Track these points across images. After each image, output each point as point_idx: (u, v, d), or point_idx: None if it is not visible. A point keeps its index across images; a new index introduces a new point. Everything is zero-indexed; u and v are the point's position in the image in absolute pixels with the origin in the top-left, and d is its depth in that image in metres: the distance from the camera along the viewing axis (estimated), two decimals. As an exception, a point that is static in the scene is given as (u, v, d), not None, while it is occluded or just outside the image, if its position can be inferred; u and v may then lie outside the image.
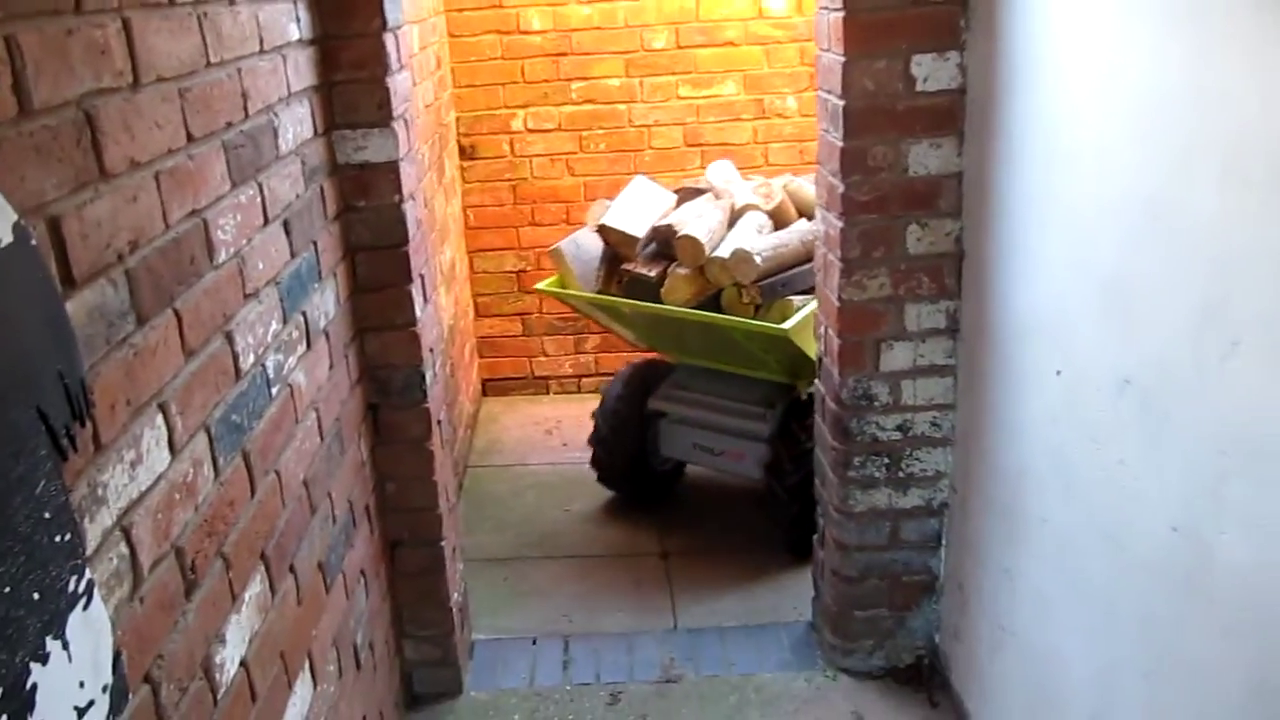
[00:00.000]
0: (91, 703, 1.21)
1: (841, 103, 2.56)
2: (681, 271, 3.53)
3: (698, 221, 3.55)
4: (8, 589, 1.05)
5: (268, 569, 1.87)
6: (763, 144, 4.99)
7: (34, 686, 1.09)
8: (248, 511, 1.79)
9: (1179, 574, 1.69)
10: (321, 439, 2.26)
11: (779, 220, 3.72)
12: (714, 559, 3.75)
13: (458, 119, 4.89)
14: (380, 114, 2.51)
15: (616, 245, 3.74)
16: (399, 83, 2.59)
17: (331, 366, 2.37)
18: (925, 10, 2.46)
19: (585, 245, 3.82)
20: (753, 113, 4.94)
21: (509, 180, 5.01)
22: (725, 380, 3.85)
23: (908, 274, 2.67)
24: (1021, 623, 2.40)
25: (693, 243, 3.47)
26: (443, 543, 2.90)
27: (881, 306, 2.70)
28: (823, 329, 2.92)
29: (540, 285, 3.92)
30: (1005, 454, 2.44)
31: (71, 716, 1.16)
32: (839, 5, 2.48)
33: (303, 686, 2.05)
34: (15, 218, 1.11)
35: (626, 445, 3.98)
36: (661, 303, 3.58)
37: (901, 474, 2.84)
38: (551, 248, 3.81)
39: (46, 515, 1.14)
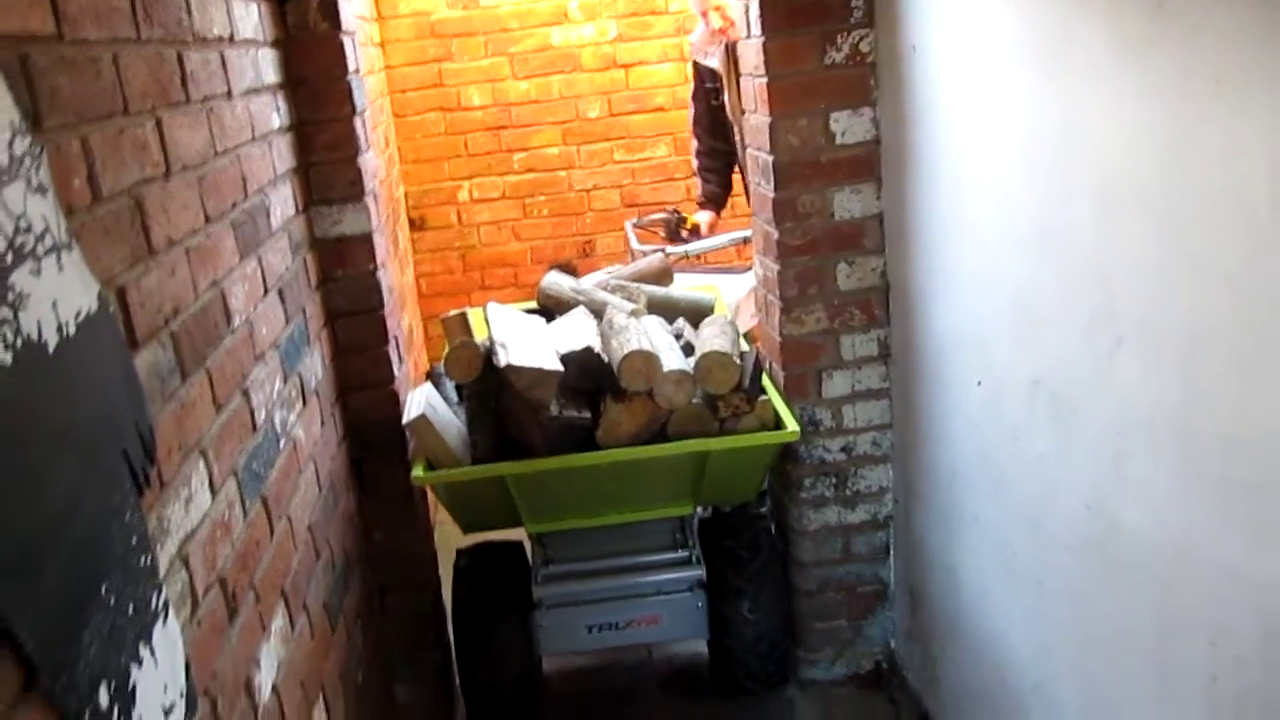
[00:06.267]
0: (173, 705, 1.39)
1: (770, 158, 2.85)
2: (621, 403, 2.72)
3: (627, 336, 2.75)
4: (113, 600, 1.24)
5: (287, 604, 2.05)
6: (695, 201, 5.29)
7: (135, 685, 1.28)
8: (269, 551, 1.98)
9: (1094, 548, 1.95)
10: (319, 489, 2.45)
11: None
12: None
13: (406, 193, 5.13)
14: (353, 190, 2.73)
15: (526, 389, 2.65)
16: (368, 161, 2.83)
17: (323, 423, 2.56)
18: (839, 73, 2.76)
19: (440, 407, 2.89)
20: (684, 172, 5.24)
21: (458, 248, 5.25)
22: (608, 536, 3.10)
23: (841, 308, 2.94)
24: (965, 615, 2.65)
25: (646, 359, 2.65)
26: (430, 586, 3.08)
27: (819, 339, 2.96)
28: (768, 365, 3.18)
29: (418, 475, 2.76)
30: (939, 463, 2.70)
31: (160, 715, 1.35)
32: (763, 72, 2.77)
33: (319, 717, 2.22)
34: (98, 288, 1.31)
35: (515, 653, 3.09)
36: (594, 448, 2.74)
37: (849, 492, 3.09)
38: (410, 420, 2.75)
39: (134, 541, 1.33)
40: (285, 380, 2.24)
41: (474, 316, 2.94)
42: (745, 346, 3.01)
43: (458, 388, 2.90)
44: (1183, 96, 1.53)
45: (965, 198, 2.36)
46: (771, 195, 2.88)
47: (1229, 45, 1.42)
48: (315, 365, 2.55)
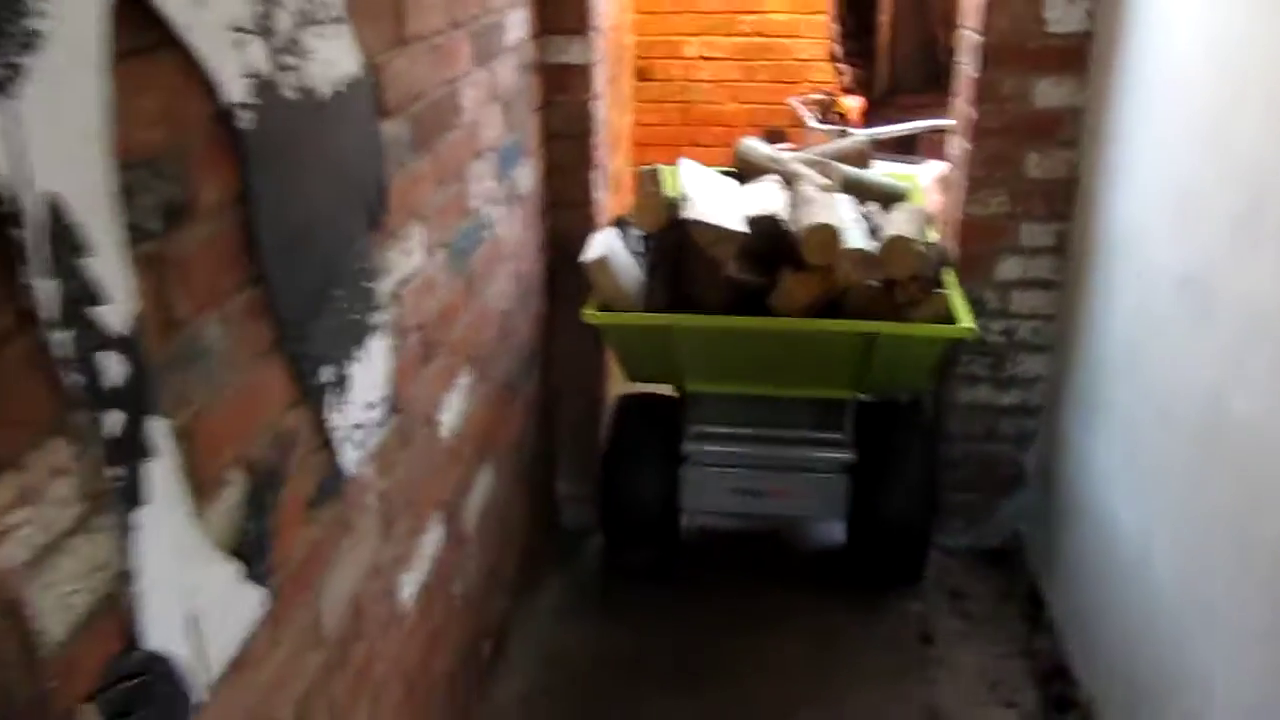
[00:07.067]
0: (376, 403, 1.75)
1: (980, 39, 2.92)
2: (799, 274, 2.74)
3: (814, 208, 2.77)
4: (343, 305, 1.59)
5: (474, 368, 2.41)
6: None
7: (350, 375, 1.63)
8: (464, 320, 2.33)
9: (1208, 433, 2.06)
10: (516, 285, 2.79)
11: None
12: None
13: (636, 43, 5.35)
14: (580, 24, 2.99)
15: (708, 245, 2.72)
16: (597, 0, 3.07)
17: (526, 229, 2.89)
18: (1062, -41, 2.79)
19: (621, 252, 2.94)
20: (906, 55, 5.26)
21: (678, 103, 5.47)
22: (766, 408, 3.12)
23: (1026, 196, 3.02)
24: (1089, 500, 2.77)
25: (829, 234, 2.66)
26: (599, 400, 3.43)
27: (1000, 223, 3.06)
28: (945, 242, 3.29)
29: (590, 314, 2.84)
30: (1093, 353, 2.79)
31: (365, 406, 1.70)
32: (985, -49, 2.83)
33: (487, 471, 2.60)
34: (362, 60, 1.63)
35: (657, 501, 3.14)
36: (768, 313, 2.80)
37: (1003, 375, 3.21)
38: (590, 258, 2.81)
39: (361, 266, 1.67)
40: (499, 181, 2.56)
41: (669, 173, 3.10)
42: (934, 238, 3.04)
43: (644, 239, 3.01)
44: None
45: (1151, 96, 2.41)
46: (975, 76, 2.95)
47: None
48: (526, 176, 2.86)
